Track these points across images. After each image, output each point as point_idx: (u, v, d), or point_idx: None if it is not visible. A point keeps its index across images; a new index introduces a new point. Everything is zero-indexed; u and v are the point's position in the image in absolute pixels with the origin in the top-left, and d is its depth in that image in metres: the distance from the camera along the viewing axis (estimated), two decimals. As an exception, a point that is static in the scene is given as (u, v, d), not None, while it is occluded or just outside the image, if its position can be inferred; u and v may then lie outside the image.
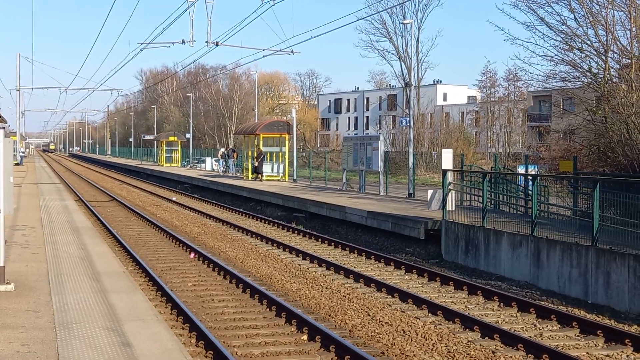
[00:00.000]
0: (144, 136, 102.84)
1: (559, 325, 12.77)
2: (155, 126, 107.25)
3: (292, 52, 38.74)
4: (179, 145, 77.07)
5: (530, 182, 19.09)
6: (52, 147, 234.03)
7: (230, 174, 53.24)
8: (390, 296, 14.99)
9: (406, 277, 17.42)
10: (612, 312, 13.72)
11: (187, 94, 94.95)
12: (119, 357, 8.35)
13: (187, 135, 79.65)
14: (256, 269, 18.03)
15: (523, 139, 69.78)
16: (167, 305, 13.50)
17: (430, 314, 13.48)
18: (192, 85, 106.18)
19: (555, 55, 21.96)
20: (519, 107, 74.21)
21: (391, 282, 16.20)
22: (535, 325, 12.83)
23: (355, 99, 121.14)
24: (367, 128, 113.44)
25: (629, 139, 19.65)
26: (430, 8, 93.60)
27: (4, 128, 12.39)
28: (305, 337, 11.62)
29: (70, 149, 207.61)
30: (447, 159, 26.82)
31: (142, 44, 38.83)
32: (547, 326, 12.76)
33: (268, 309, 13.52)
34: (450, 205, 20.73)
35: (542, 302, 14.45)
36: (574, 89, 23.18)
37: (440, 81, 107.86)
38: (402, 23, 71.66)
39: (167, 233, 24.22)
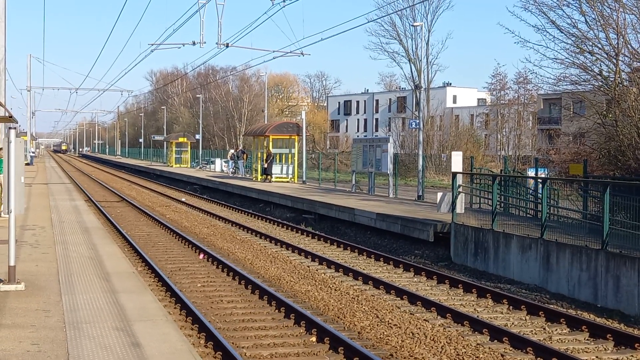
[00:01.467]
0: (153, 137, 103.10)
1: (569, 329, 12.74)
2: (165, 127, 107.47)
3: (302, 53, 38.83)
4: (189, 146, 77.18)
5: (540, 185, 19.05)
6: (64, 147, 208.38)
7: (240, 175, 53.30)
8: (399, 298, 14.98)
9: (415, 279, 17.41)
10: (621, 316, 13.68)
11: (197, 95, 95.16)
12: (128, 357, 8.37)
13: (197, 136, 79.79)
14: (265, 270, 18.05)
15: (533, 141, 69.65)
16: (177, 305, 13.53)
17: (439, 317, 13.47)
18: (202, 86, 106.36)
19: (566, 58, 21.96)
20: (529, 110, 74.07)
21: (400, 285, 16.19)
22: (544, 329, 12.80)
23: (365, 100, 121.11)
24: (377, 130, 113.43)
25: (640, 143, 19.60)
26: (440, 10, 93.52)
27: (15, 128, 12.43)
28: (314, 338, 11.62)
29: (80, 149, 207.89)
30: (457, 162, 26.82)
31: (152, 45, 39.01)
32: (556, 330, 12.74)
33: (277, 310, 13.54)
34: (460, 208, 20.70)
35: (552, 306, 14.42)
36: (584, 92, 23.14)
37: (450, 83, 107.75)
38: (412, 25, 71.59)
39: (176, 234, 24.27)
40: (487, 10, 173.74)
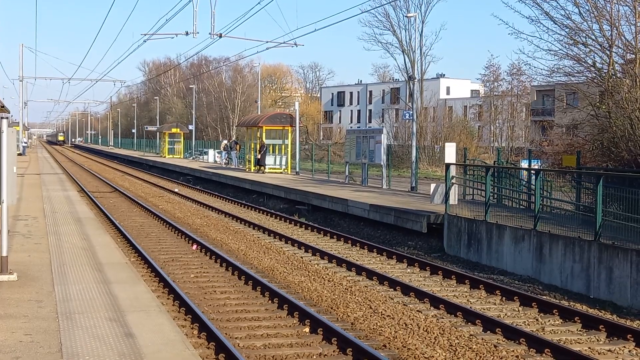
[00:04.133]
0: (146, 127, 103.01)
1: (561, 320, 12.77)
2: (157, 117, 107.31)
3: (295, 44, 38.72)
4: (182, 137, 77.07)
5: (533, 177, 19.07)
6: (60, 137, 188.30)
7: (233, 166, 53.24)
8: (392, 289, 15.00)
9: (408, 270, 17.42)
10: (614, 308, 13.72)
11: (190, 86, 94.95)
12: (122, 347, 8.36)
13: (190, 127, 79.71)
14: (258, 261, 18.04)
15: (526, 133, 69.72)
16: (170, 296, 13.52)
17: (432, 308, 13.48)
18: (195, 77, 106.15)
19: (560, 49, 21.91)
20: (522, 102, 74.11)
21: (393, 276, 16.20)
22: (537, 320, 12.83)
23: (359, 92, 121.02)
24: (370, 121, 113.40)
25: (633, 134, 19.62)
26: (434, 1, 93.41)
27: (7, 118, 12.37)
28: (307, 329, 11.63)
29: (73, 140, 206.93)
30: (450, 153, 26.83)
31: (145, 35, 38.83)
32: (549, 321, 12.76)
33: (270, 301, 13.53)
34: (453, 199, 20.71)
35: (544, 297, 14.45)
36: (577, 84, 23.12)
37: (444, 75, 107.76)
38: (406, 16, 71.54)
39: (169, 224, 24.23)
40: (481, 1, 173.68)
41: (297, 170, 44.38)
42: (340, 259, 18.03)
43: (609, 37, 20.91)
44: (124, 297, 10.91)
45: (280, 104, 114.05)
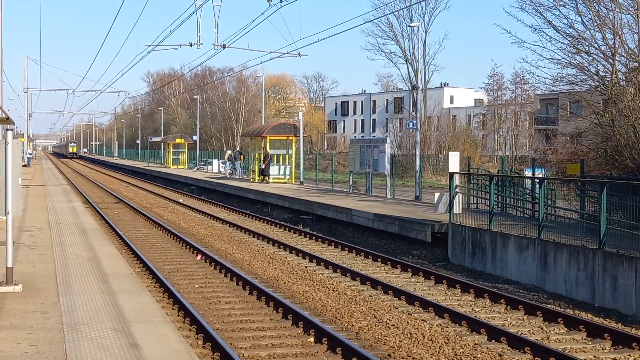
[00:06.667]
0: (150, 138, 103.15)
1: (566, 329, 12.76)
2: (162, 128, 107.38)
3: (299, 54, 38.82)
4: (186, 147, 77.17)
5: (537, 185, 19.06)
6: (72, 148, 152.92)
7: (237, 176, 53.28)
8: (396, 299, 15.00)
9: (413, 279, 17.42)
10: (619, 316, 13.70)
11: (194, 96, 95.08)
12: (126, 358, 8.38)
13: (194, 137, 79.75)
14: (263, 271, 18.05)
15: (530, 142, 69.67)
16: (174, 306, 13.53)
17: (437, 317, 13.48)
18: (199, 87, 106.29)
19: (563, 58, 21.95)
20: (525, 110, 74.14)
21: (398, 285, 16.20)
22: (542, 329, 12.82)
23: (362, 101, 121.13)
24: (374, 131, 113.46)
25: (636, 142, 19.63)
26: (437, 11, 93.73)
27: (12, 130, 12.42)
28: (311, 339, 11.63)
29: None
30: (454, 162, 26.81)
31: (149, 46, 38.97)
32: (554, 329, 12.75)
33: (275, 311, 13.54)
34: (457, 208, 20.70)
35: (549, 306, 14.44)
36: (581, 92, 23.14)
37: (447, 84, 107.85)
38: (409, 26, 71.58)
39: (173, 235, 24.26)
40: (484, 11, 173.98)
41: (301, 180, 44.39)
42: (345, 268, 18.03)
43: (612, 46, 20.94)
44: (128, 308, 10.92)
45: (284, 114, 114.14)
